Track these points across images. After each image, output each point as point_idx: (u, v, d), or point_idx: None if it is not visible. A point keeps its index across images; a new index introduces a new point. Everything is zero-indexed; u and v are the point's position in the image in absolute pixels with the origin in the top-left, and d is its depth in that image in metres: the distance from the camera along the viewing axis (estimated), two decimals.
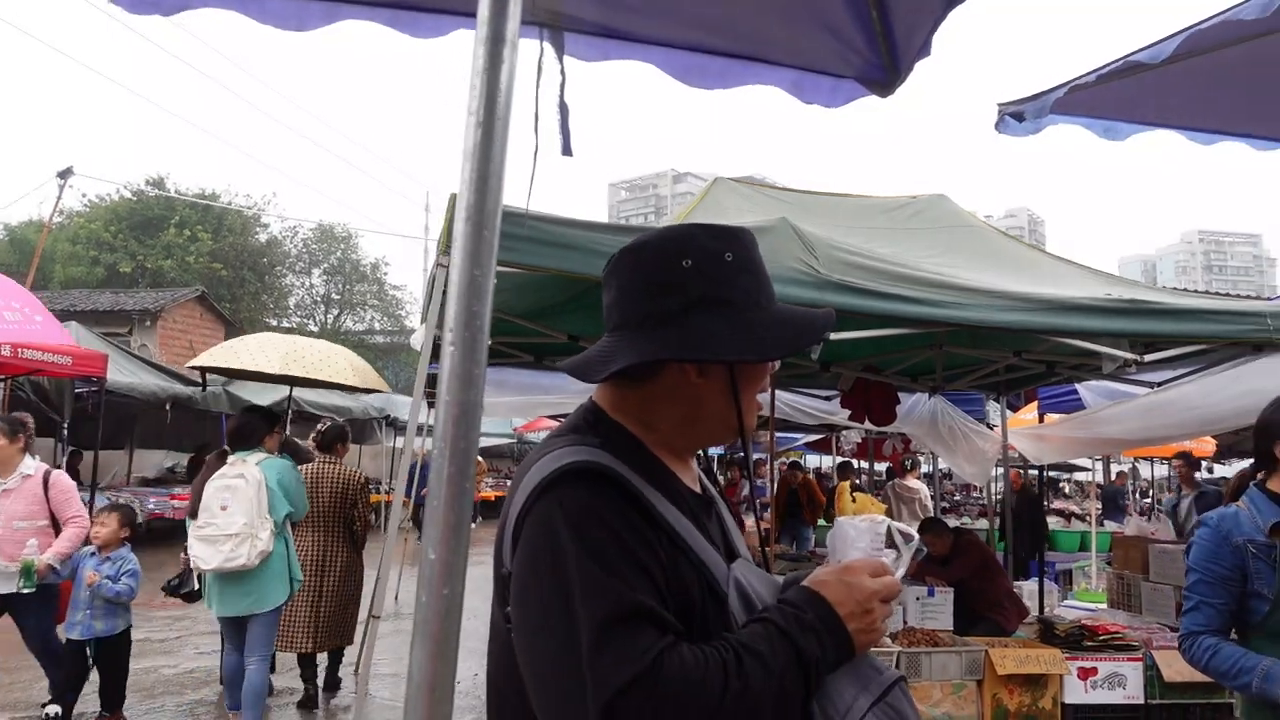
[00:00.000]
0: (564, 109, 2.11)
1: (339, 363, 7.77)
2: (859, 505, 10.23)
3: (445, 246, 3.47)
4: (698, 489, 1.32)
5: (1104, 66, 2.16)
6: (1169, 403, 5.87)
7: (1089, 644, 4.74)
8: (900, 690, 1.15)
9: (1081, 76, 2.22)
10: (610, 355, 1.22)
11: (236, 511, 4.80)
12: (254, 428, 5.23)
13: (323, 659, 6.35)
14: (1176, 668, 4.63)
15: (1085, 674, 4.61)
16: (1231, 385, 5.20)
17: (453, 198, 3.41)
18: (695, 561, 1.15)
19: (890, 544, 1.34)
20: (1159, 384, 6.14)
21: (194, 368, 9.19)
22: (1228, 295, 5.50)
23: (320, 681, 6.20)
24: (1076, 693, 4.58)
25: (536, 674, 1.06)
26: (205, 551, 4.79)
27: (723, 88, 2.23)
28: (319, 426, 6.44)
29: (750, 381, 1.28)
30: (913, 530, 1.38)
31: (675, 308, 1.21)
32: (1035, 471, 10.00)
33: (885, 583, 1.17)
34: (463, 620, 1.05)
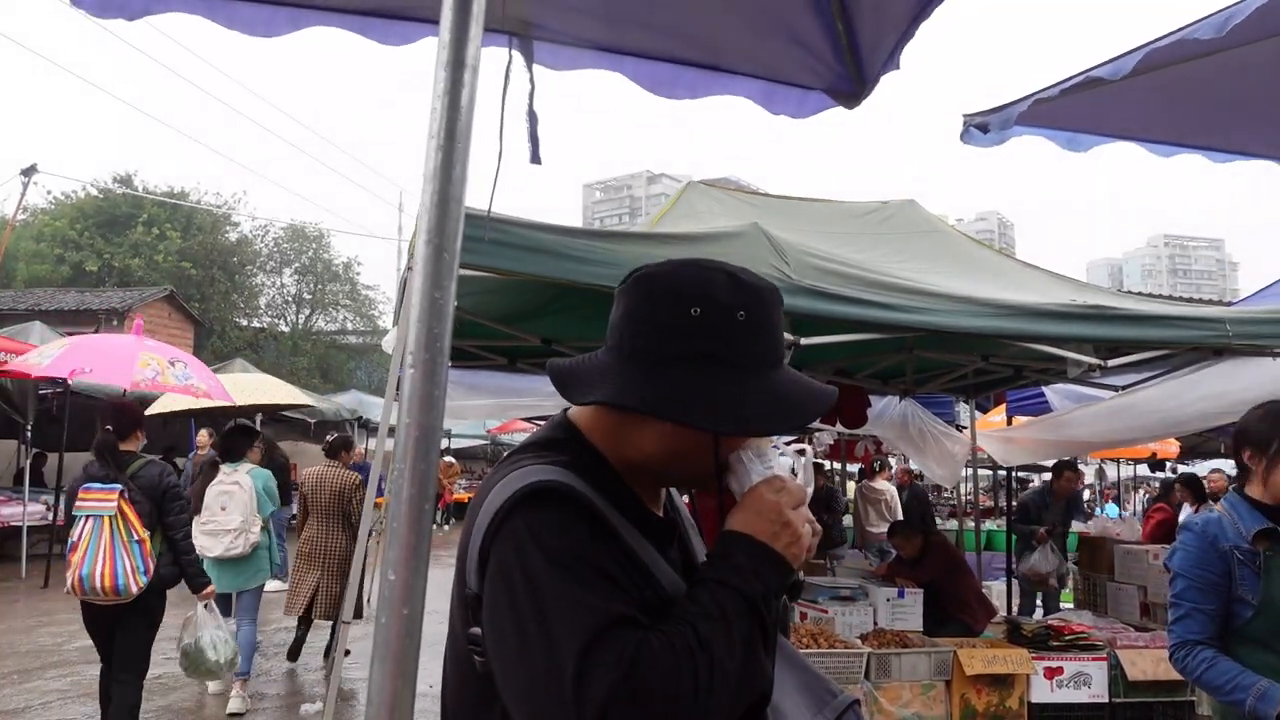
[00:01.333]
0: (533, 117, 2.12)
1: (279, 393, 9.54)
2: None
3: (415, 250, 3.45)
4: (661, 513, 1.31)
5: (1066, 80, 2.20)
6: (1133, 405, 5.97)
7: (1055, 644, 4.81)
8: (854, 715, 1.17)
9: (1044, 90, 2.26)
10: (594, 382, 1.20)
11: (234, 511, 5.98)
12: (241, 443, 6.42)
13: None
14: (1140, 667, 4.72)
15: (1051, 673, 4.67)
16: (1193, 389, 5.30)
17: None
18: (655, 587, 1.16)
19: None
20: (1123, 387, 6.24)
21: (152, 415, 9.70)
22: (1190, 300, 5.60)
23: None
24: (1043, 692, 4.64)
25: (518, 697, 1.06)
26: (209, 542, 5.87)
27: (692, 98, 2.25)
28: (328, 437, 7.76)
29: (735, 440, 1.24)
30: (804, 444, 1.36)
31: (669, 355, 1.17)
32: (1004, 472, 10.10)
33: (789, 491, 1.18)
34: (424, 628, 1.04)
